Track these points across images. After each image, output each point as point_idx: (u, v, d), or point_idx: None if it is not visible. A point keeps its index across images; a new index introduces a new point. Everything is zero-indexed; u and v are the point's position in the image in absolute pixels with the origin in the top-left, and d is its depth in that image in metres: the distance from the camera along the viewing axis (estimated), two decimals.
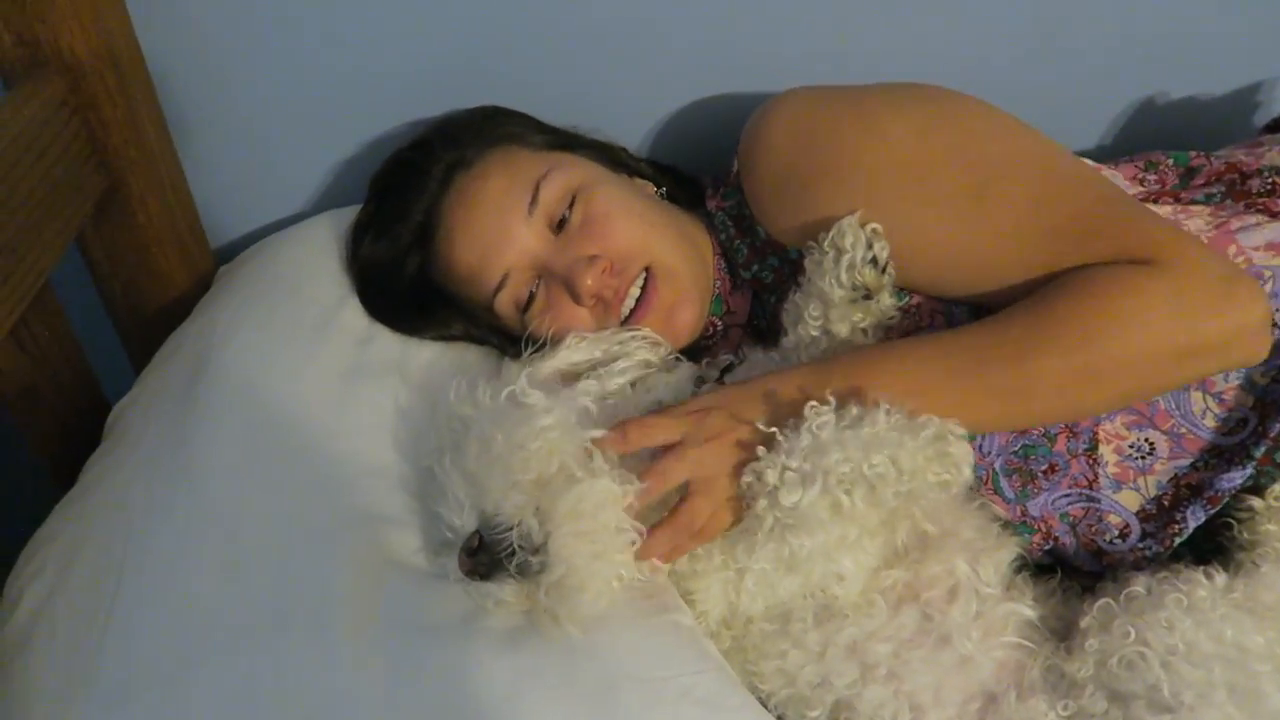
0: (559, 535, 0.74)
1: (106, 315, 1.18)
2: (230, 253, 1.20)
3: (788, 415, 0.77)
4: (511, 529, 0.75)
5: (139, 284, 1.14)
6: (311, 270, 1.07)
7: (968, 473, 0.74)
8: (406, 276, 1.04)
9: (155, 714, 0.71)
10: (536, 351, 0.93)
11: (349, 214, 1.12)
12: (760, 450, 0.76)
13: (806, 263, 0.91)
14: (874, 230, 0.86)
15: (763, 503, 0.75)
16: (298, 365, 0.95)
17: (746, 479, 0.76)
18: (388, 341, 1.01)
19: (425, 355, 1.01)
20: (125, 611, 0.77)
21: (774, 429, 0.76)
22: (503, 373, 0.93)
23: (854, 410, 0.75)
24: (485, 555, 0.75)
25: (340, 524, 0.83)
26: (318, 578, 0.79)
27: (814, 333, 0.90)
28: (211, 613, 0.76)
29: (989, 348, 0.80)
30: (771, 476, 0.74)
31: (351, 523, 0.84)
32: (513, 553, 0.74)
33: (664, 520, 0.78)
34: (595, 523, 0.75)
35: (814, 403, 0.76)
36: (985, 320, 0.83)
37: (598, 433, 0.78)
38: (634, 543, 0.76)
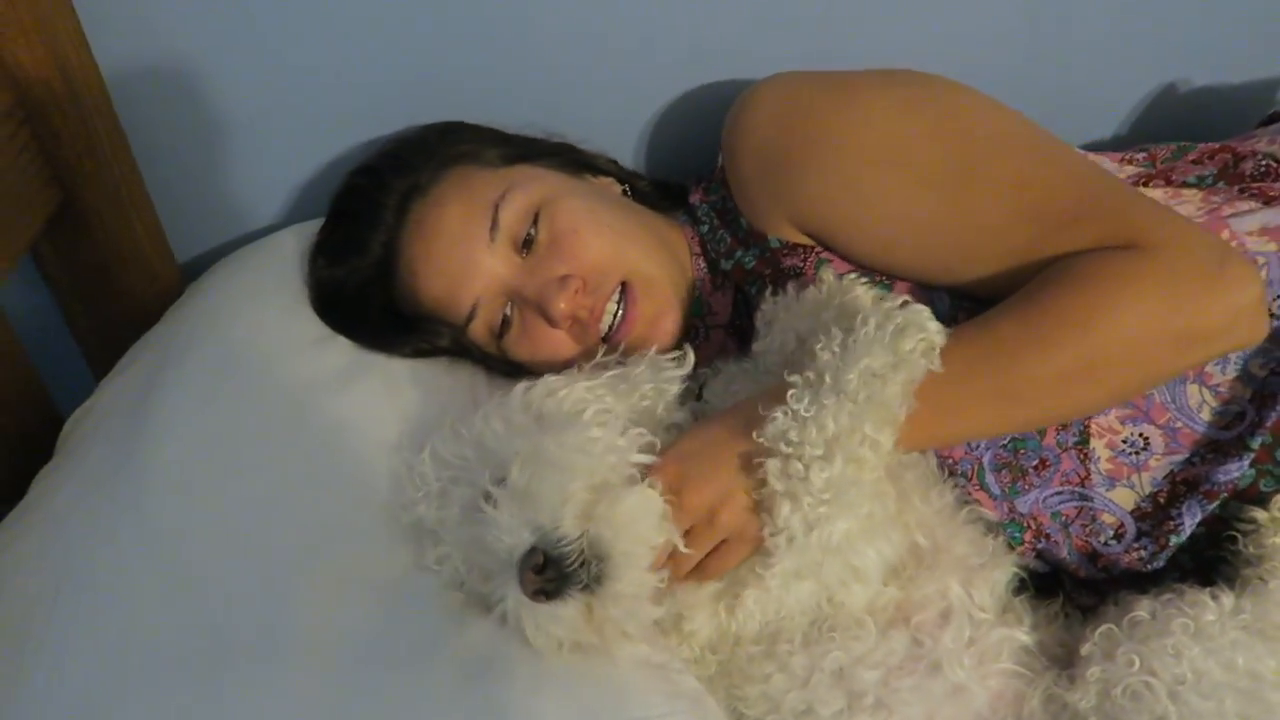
0: (623, 541, 0.71)
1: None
2: (199, 269, 1.16)
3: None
4: (574, 541, 0.70)
5: (99, 302, 1.11)
6: (275, 284, 1.03)
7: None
8: (374, 306, 1.00)
9: None
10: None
11: (316, 226, 1.07)
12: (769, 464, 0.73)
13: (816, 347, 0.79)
14: None
15: (785, 508, 0.72)
16: (255, 378, 0.91)
17: (773, 486, 0.73)
18: (345, 352, 0.97)
19: (393, 368, 0.97)
20: (57, 639, 0.73)
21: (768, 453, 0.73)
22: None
23: (810, 376, 0.74)
24: (553, 570, 0.70)
25: (296, 542, 0.80)
26: (266, 603, 0.75)
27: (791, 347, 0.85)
28: (148, 642, 0.72)
29: (978, 351, 0.77)
30: (795, 468, 0.72)
31: (309, 540, 0.80)
32: (583, 564, 0.70)
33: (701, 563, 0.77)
34: (650, 530, 0.73)
35: (792, 390, 0.73)
36: (972, 321, 0.80)
37: (645, 458, 0.76)
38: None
